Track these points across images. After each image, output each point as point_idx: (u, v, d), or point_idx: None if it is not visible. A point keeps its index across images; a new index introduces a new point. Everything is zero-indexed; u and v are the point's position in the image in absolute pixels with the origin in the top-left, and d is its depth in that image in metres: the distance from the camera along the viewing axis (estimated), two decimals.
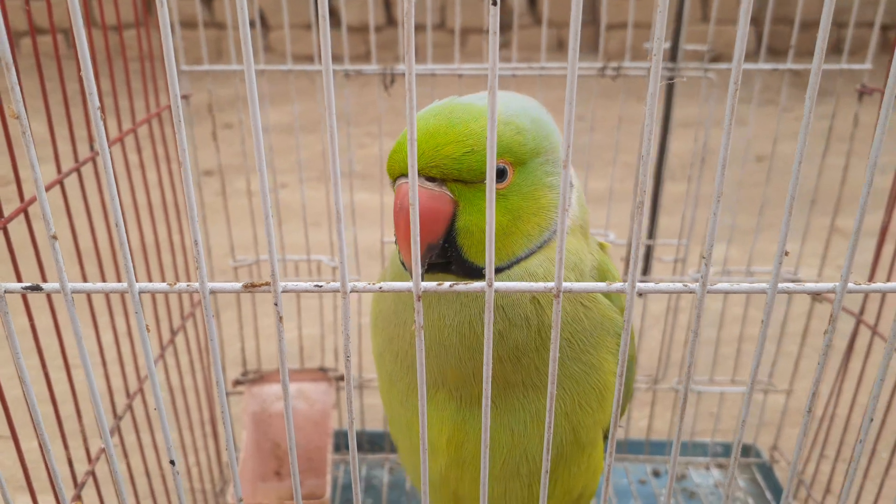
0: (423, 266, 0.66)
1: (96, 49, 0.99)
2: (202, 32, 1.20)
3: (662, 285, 0.46)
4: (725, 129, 0.39)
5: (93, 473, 0.93)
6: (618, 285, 0.46)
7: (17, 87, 0.39)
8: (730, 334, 1.92)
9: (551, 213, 0.74)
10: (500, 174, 0.69)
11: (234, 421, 1.63)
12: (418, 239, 0.43)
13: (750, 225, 2.47)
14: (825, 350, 0.48)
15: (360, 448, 1.57)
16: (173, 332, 1.24)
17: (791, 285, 0.46)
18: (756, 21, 5.23)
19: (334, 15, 5.50)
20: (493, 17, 0.38)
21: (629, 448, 1.58)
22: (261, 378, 1.45)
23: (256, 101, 0.42)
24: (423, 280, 0.55)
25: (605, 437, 0.91)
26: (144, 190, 1.17)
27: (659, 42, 0.39)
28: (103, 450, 0.95)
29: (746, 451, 1.58)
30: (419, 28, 5.24)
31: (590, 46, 5.51)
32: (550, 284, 0.46)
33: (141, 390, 1.12)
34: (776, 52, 5.10)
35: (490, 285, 0.45)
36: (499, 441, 0.79)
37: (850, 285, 0.46)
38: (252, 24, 5.51)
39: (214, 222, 1.63)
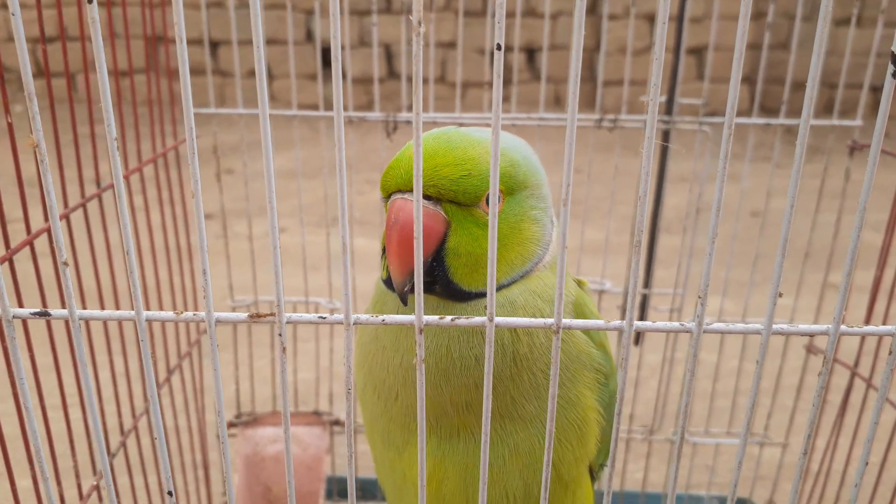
0: (408, 283, 0.67)
1: (94, 94, 1.02)
2: (210, 78, 1.22)
3: (659, 324, 0.47)
4: (719, 174, 0.41)
5: None
6: (615, 323, 0.47)
7: (38, 117, 0.40)
8: (725, 387, 1.92)
9: (533, 245, 0.76)
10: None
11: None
12: (422, 272, 0.44)
13: (745, 278, 2.48)
14: (819, 392, 0.48)
15: None
16: (169, 372, 1.23)
17: (785, 326, 0.47)
18: (749, 80, 5.35)
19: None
20: (497, 61, 0.40)
21: (625, 500, 1.57)
22: (254, 421, 1.44)
23: (268, 126, 0.43)
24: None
25: (592, 476, 0.90)
26: (148, 231, 1.18)
27: (655, 89, 0.40)
28: (95, 487, 0.94)
29: (742, 503, 1.57)
30: (427, 81, 5.33)
31: (587, 101, 5.61)
32: (550, 321, 0.47)
33: (135, 429, 1.11)
34: (769, 111, 5.19)
35: (491, 320, 0.46)
36: (478, 477, 0.78)
37: (843, 328, 0.47)
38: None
39: (214, 264, 1.65)
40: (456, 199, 0.69)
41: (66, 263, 0.44)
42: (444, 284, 0.71)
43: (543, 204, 0.79)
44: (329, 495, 1.53)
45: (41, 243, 0.87)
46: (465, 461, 0.77)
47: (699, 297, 0.45)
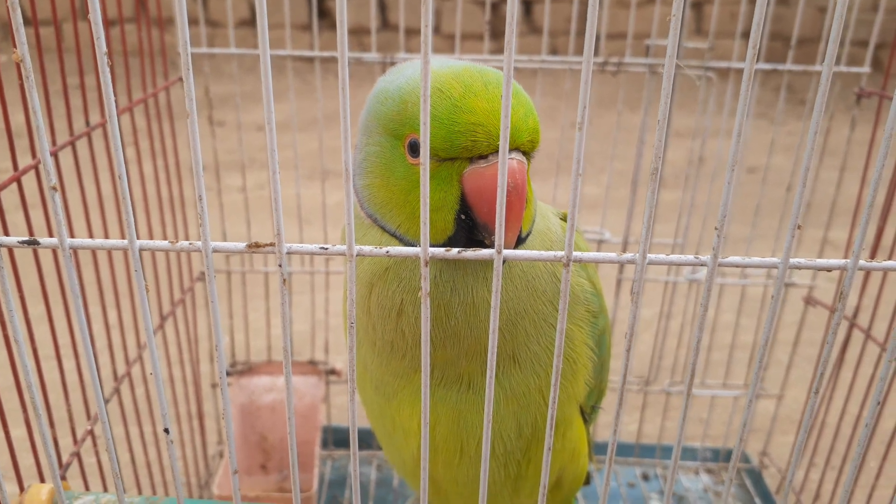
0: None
1: (84, 44, 0.98)
2: (202, 20, 1.19)
3: (673, 257, 0.46)
4: (743, 86, 0.39)
5: (78, 455, 0.91)
6: (628, 256, 0.46)
7: (22, 29, 0.37)
8: (722, 340, 1.92)
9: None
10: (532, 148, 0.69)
11: (221, 414, 1.60)
12: (427, 201, 0.42)
13: (742, 234, 2.47)
14: (834, 329, 0.47)
15: (347, 444, 1.55)
16: (162, 318, 1.22)
17: (802, 261, 0.45)
18: (747, 36, 5.28)
19: (329, 16, 5.51)
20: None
21: (618, 451, 1.57)
22: (249, 370, 1.43)
23: (268, 65, 0.41)
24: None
25: (583, 415, 0.89)
26: (141, 182, 1.15)
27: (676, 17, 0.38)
28: (89, 432, 0.93)
29: None
30: (415, 32, 5.25)
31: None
32: (560, 253, 0.45)
33: (129, 375, 1.10)
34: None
35: (499, 252, 0.45)
36: (472, 422, 0.77)
37: (863, 262, 0.45)
38: (253, 22, 5.47)
39: (208, 215, 1.62)
40: (533, 149, 0.66)
41: (55, 188, 0.42)
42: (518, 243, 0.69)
43: None
44: (324, 444, 1.54)
45: (31, 194, 0.85)
46: (459, 407, 0.76)
47: (716, 229, 0.43)
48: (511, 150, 0.63)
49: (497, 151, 0.63)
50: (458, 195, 0.65)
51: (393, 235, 0.72)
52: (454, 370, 0.74)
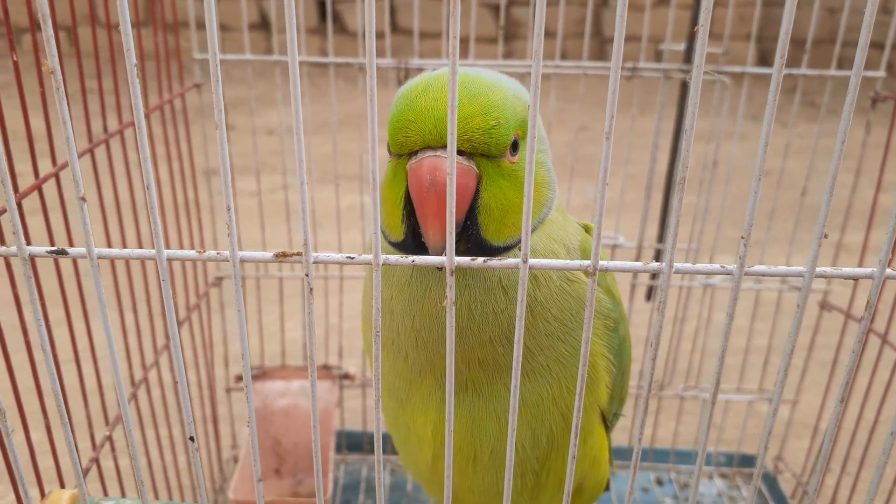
0: (444, 247, 0.63)
1: (100, 48, 0.99)
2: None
3: (699, 266, 0.46)
4: (772, 87, 0.39)
5: (97, 460, 0.92)
6: (654, 265, 0.46)
7: (53, 41, 0.38)
8: (735, 345, 1.92)
9: (546, 190, 0.74)
10: (514, 147, 0.67)
11: (235, 418, 1.61)
12: (454, 209, 0.43)
13: (755, 238, 2.47)
14: (860, 338, 0.47)
15: (361, 449, 1.55)
16: (178, 324, 1.22)
17: (829, 269, 0.45)
18: (760, 39, 5.26)
19: (337, 20, 5.53)
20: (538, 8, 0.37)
21: (632, 455, 1.57)
22: (263, 374, 1.43)
23: (297, 70, 0.41)
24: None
25: (606, 425, 0.89)
26: (156, 187, 1.16)
27: (707, 12, 0.38)
28: (108, 437, 0.93)
29: (749, 460, 1.57)
30: (432, 35, 5.26)
31: (597, 56, 5.54)
32: (586, 262, 0.45)
33: (146, 380, 1.11)
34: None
35: (525, 262, 0.45)
36: (486, 430, 0.77)
37: (889, 271, 0.45)
38: (267, 25, 5.50)
39: (221, 221, 1.63)
40: (488, 151, 0.64)
41: (83, 199, 0.42)
42: (475, 242, 0.67)
43: (545, 146, 0.76)
44: (338, 449, 1.54)
45: (51, 198, 0.85)
46: (472, 415, 0.76)
47: (742, 238, 0.43)
48: (438, 147, 0.63)
49: (428, 147, 0.63)
50: (405, 192, 0.66)
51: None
52: (458, 376, 0.74)
